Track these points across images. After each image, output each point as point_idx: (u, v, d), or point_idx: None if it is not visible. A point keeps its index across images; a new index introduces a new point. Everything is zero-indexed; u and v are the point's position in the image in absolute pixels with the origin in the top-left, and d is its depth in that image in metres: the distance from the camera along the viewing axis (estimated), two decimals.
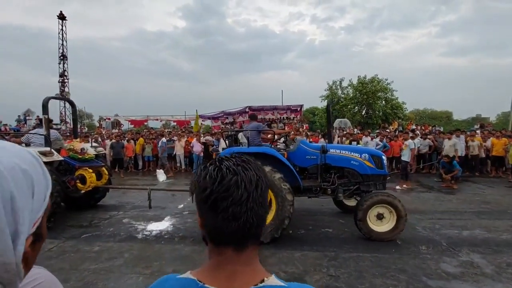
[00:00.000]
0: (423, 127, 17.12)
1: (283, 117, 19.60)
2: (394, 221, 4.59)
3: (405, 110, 24.02)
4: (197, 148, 11.69)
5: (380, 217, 4.66)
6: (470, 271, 3.66)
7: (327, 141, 6.06)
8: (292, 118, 19.53)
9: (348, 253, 4.25)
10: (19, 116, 21.26)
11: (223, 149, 11.50)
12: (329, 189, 4.99)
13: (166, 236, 5.07)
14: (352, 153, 5.06)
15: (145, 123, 22.66)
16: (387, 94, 23.10)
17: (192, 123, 19.43)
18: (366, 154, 5.05)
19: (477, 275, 3.56)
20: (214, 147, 11.10)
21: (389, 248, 4.39)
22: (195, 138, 11.91)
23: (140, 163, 12.93)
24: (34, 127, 17.28)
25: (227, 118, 20.97)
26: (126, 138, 12.81)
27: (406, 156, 8.90)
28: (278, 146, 5.42)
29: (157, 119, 22.16)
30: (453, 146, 9.55)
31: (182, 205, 7.06)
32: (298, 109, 20.40)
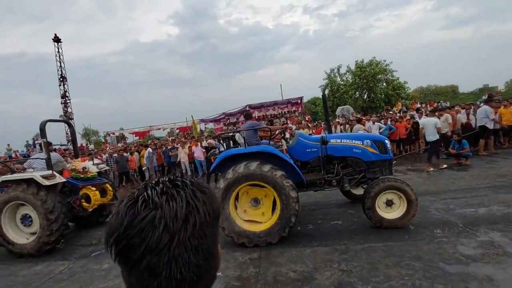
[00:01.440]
0: (428, 105, 16.67)
1: (284, 112, 19.43)
2: (405, 207, 4.40)
3: (407, 90, 23.47)
4: (198, 153, 11.63)
5: (389, 203, 4.48)
6: (491, 251, 3.46)
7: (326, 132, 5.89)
8: (293, 111, 19.35)
9: (359, 244, 4.10)
10: (27, 141, 21.64)
11: (211, 153, 11.49)
12: (334, 181, 4.84)
13: None
14: (354, 141, 4.89)
15: (149, 134, 22.80)
16: (387, 76, 22.60)
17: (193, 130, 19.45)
18: (368, 140, 4.87)
19: (499, 255, 3.35)
20: (212, 151, 10.98)
21: (402, 235, 4.21)
22: (197, 144, 11.85)
23: (147, 174, 12.95)
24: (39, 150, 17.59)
25: (229, 119, 20.92)
26: (130, 151, 12.86)
27: (432, 136, 8.10)
28: (278, 143, 5.27)
29: (159, 128, 22.27)
30: (446, 121, 9.36)
31: None
32: (299, 101, 20.20)
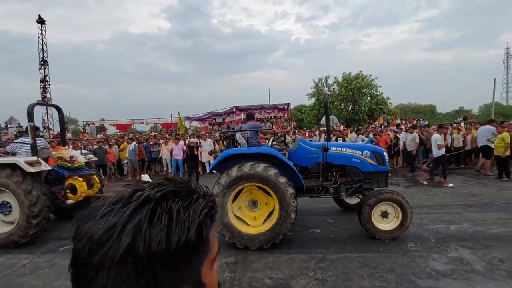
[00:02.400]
0: (408, 121, 17.33)
1: (271, 116, 19.51)
2: (400, 218, 4.51)
3: (389, 105, 24.30)
4: (177, 152, 11.41)
5: (384, 215, 4.57)
6: (460, 268, 3.60)
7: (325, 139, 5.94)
8: (279, 117, 19.47)
9: (336, 254, 4.14)
10: None
11: (211, 151, 11.34)
12: (331, 188, 4.88)
13: None
14: (354, 151, 4.95)
15: (131, 127, 22.15)
16: (372, 90, 23.30)
17: (178, 126, 19.13)
18: (367, 151, 4.95)
19: (468, 272, 3.49)
20: (213, 149, 10.83)
21: (377, 247, 4.30)
22: (178, 142, 11.61)
23: (125, 168, 12.55)
24: (16, 136, 16.61)
25: (215, 119, 20.73)
26: (109, 144, 12.43)
27: (439, 151, 8.25)
28: (276, 146, 5.26)
29: (142, 123, 21.71)
30: (413, 140, 10.17)
31: None
32: (285, 107, 20.35)
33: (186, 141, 11.14)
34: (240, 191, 4.51)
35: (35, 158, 5.11)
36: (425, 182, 8.62)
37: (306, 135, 12.95)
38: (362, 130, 13.32)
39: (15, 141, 6.53)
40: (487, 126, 9.96)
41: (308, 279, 3.49)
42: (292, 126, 16.98)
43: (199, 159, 11.32)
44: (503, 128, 9.14)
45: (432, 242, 4.40)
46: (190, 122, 20.66)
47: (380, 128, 14.27)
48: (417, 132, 11.47)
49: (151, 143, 12.72)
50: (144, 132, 20.45)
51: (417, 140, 10.40)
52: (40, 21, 23.00)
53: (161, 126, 22.52)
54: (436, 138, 8.37)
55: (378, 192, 4.62)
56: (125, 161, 12.31)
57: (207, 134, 13.51)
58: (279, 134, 5.89)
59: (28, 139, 5.49)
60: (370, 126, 15.17)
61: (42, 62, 22.97)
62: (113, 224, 0.43)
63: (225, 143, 5.42)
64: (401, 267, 3.67)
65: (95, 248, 0.42)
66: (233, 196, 4.45)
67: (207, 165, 12.31)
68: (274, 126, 16.44)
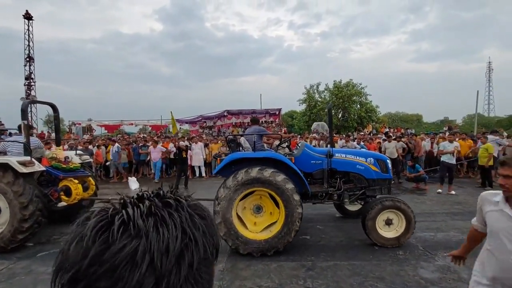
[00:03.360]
0: (396, 130, 17.68)
1: (262, 121, 19.55)
2: (403, 226, 4.51)
3: (378, 114, 24.79)
4: (155, 154, 11.25)
5: (388, 222, 4.56)
6: (448, 276, 3.61)
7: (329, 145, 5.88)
8: (270, 122, 19.52)
9: (326, 261, 4.10)
10: None
11: (216, 155, 11.14)
12: (335, 195, 4.85)
13: None
14: (358, 158, 4.95)
15: (119, 128, 21.71)
16: (362, 98, 23.75)
17: (170, 127, 18.87)
18: (371, 158, 4.95)
19: (455, 280, 3.51)
20: (218, 153, 10.64)
21: (367, 254, 4.29)
22: (156, 145, 11.46)
23: (112, 170, 12.23)
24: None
25: (205, 122, 20.59)
26: (96, 145, 12.11)
27: (451, 158, 8.32)
28: (279, 151, 5.22)
29: (131, 124, 21.32)
30: (394, 148, 10.46)
31: None
32: (277, 112, 20.46)
33: (176, 144, 10.96)
34: (250, 193, 4.42)
35: (28, 158, 4.85)
36: (453, 192, 8.33)
37: (297, 140, 12.98)
38: (352, 137, 13.48)
39: (7, 139, 6.23)
40: (492, 137, 10.12)
41: (298, 287, 3.43)
42: (283, 131, 17.01)
43: (189, 162, 11.16)
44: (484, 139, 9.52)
45: (420, 250, 4.43)
46: (180, 125, 20.43)
47: (369, 136, 14.47)
48: (404, 141, 11.71)
49: (140, 144, 12.47)
50: (133, 134, 20.07)
51: (399, 147, 10.67)
52: (27, 16, 22.40)
53: (150, 128, 22.17)
54: (446, 144, 8.56)
55: (381, 200, 4.60)
56: (108, 163, 11.98)
57: (197, 138, 13.35)
58: (284, 139, 5.84)
59: (21, 138, 5.25)
60: (359, 133, 15.40)
61: (27, 59, 22.32)
62: (183, 233, 0.41)
63: (230, 146, 5.30)
64: (390, 275, 3.66)
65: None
66: (243, 195, 4.36)
67: (196, 169, 12.15)
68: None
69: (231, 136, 6.21)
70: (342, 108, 23.71)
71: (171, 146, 11.59)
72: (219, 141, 12.67)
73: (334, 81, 24.25)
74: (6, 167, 4.58)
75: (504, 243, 1.74)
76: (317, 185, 5.02)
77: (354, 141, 11.89)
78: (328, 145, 10.73)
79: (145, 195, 0.46)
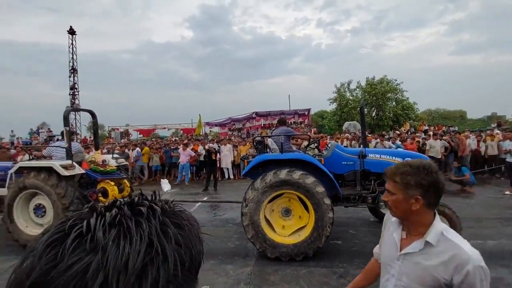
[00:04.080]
0: (436, 127, 16.43)
1: (290, 122, 19.31)
2: None
3: (416, 111, 23.25)
4: (183, 157, 11.51)
5: None
6: None
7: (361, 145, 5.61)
8: (299, 123, 19.22)
9: (359, 269, 3.84)
10: (31, 129, 21.76)
11: (243, 156, 11.21)
12: (369, 198, 4.59)
13: None
14: (394, 158, 4.64)
15: (153, 132, 22.79)
16: (397, 95, 22.43)
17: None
18: (409, 159, 4.64)
19: None
20: (245, 155, 10.76)
21: None
22: (186, 148, 11.75)
23: (146, 173, 12.82)
24: (45, 140, 17.61)
25: (234, 124, 20.85)
26: (131, 148, 12.77)
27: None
28: (308, 152, 5.10)
29: (164, 128, 22.26)
30: (440, 146, 9.63)
31: None
32: (306, 113, 20.11)
33: (206, 146, 11.18)
34: (279, 195, 4.34)
35: (69, 161, 5.23)
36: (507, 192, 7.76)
37: (326, 141, 12.61)
38: (387, 136, 12.76)
39: (51, 145, 6.79)
40: None
41: None
42: (313, 132, 16.65)
43: (218, 164, 11.32)
44: None
45: None
46: (210, 128, 20.92)
47: (406, 135, 13.61)
48: (446, 139, 10.81)
49: (173, 147, 12.93)
50: (166, 137, 20.93)
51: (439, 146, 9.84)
52: (71, 32, 24.44)
53: (182, 132, 22.97)
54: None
55: None
56: (136, 166, 12.41)
57: (226, 140, 13.53)
58: (313, 140, 5.66)
59: (64, 143, 5.67)
60: (395, 132, 14.53)
61: (72, 70, 24.31)
62: (149, 244, 0.37)
63: (257, 148, 5.27)
64: None
65: None
66: (272, 197, 4.29)
67: (225, 171, 12.29)
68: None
69: (258, 138, 6.14)
70: (376, 106, 22.61)
71: (201, 149, 11.86)
72: (248, 143, 12.70)
73: (366, 78, 23.20)
74: (50, 170, 4.96)
75: (384, 276, 1.33)
76: (349, 187, 4.78)
77: (389, 140, 11.22)
78: (361, 145, 10.31)
79: (118, 202, 0.41)
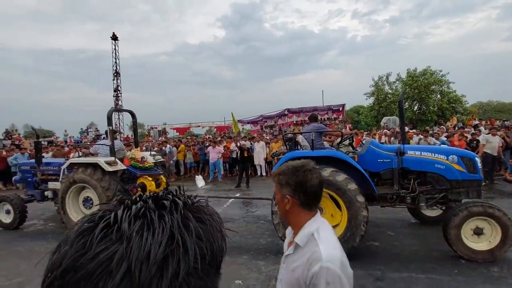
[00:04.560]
0: (488, 122, 14.84)
1: (324, 118, 18.79)
2: (499, 236, 3.76)
3: (465, 104, 21.24)
4: (213, 154, 11.66)
5: (478, 232, 3.85)
6: None
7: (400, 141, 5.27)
8: (333, 119, 18.63)
9: (398, 272, 3.63)
10: (81, 128, 23.85)
11: (274, 153, 11.21)
12: (408, 197, 4.33)
13: None
14: (437, 155, 4.32)
15: (188, 130, 23.69)
16: (443, 87, 20.67)
17: (233, 128, 19.72)
18: (454, 156, 4.27)
19: None
20: (275, 152, 10.81)
21: (450, 268, 3.65)
22: (215, 146, 11.94)
23: (182, 169, 13.36)
24: (93, 139, 19.21)
25: (266, 121, 20.85)
26: (168, 146, 13.39)
27: None
28: (341, 149, 4.96)
29: (198, 126, 23.02)
30: (498, 143, 8.57)
31: (219, 211, 6.98)
32: (340, 108, 19.42)
33: (238, 144, 11.32)
34: None
35: (112, 158, 5.66)
36: None
37: (362, 136, 12.08)
38: (431, 131, 11.83)
39: (97, 143, 7.42)
40: None
41: None
42: (348, 128, 16.03)
43: (251, 162, 11.39)
44: None
45: None
46: (242, 125, 21.16)
47: (453, 130, 12.50)
48: (501, 134, 9.72)
49: (207, 145, 13.32)
50: (200, 135, 21.64)
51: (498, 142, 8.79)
52: (114, 37, 26.20)
53: (215, 129, 23.57)
54: None
55: (468, 205, 3.88)
56: (170, 162, 12.88)
57: (258, 137, 13.58)
58: (345, 136, 5.43)
59: (108, 141, 6.13)
60: (441, 127, 13.42)
61: (115, 74, 26.09)
62: (170, 237, 0.39)
63: (287, 145, 5.21)
64: None
65: None
66: None
67: (258, 168, 12.36)
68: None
69: (289, 135, 6.05)
70: (418, 100, 21.09)
71: (233, 146, 12.03)
72: (279, 140, 12.62)
73: (407, 70, 21.70)
74: (96, 166, 5.40)
75: None
76: (385, 186, 4.51)
77: (433, 136, 10.38)
78: (400, 142, 9.65)
79: (144, 196, 0.44)
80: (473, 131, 11.15)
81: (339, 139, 5.50)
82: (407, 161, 4.35)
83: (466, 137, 10.07)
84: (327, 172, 4.00)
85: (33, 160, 6.61)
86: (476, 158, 4.31)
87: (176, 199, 0.42)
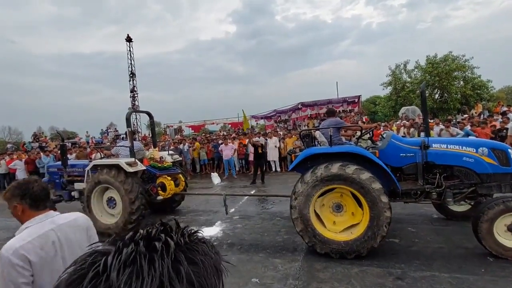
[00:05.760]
0: None
1: (339, 111, 18.37)
2: None
3: (491, 90, 20.07)
4: (227, 152, 11.64)
5: None
6: None
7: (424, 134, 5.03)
8: (349, 111, 18.18)
9: (420, 271, 3.49)
10: (102, 129, 24.67)
11: (290, 151, 11.08)
12: (434, 193, 4.14)
13: (215, 243, 4.95)
14: (465, 148, 4.09)
15: (203, 127, 23.91)
16: (466, 73, 19.63)
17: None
18: (484, 148, 4.02)
19: None
20: (292, 149, 10.74)
21: (476, 267, 3.46)
22: (228, 143, 11.94)
23: (198, 167, 13.52)
24: (113, 139, 19.82)
25: (280, 116, 20.66)
26: (185, 144, 13.58)
27: None
28: (360, 144, 4.82)
29: (213, 123, 23.18)
30: None
31: (233, 209, 6.99)
32: (356, 100, 18.89)
33: (251, 141, 11.29)
34: (330, 190, 4.15)
35: (132, 159, 5.78)
36: None
37: (381, 129, 11.71)
38: (454, 121, 11.27)
39: (118, 144, 7.63)
40: None
41: None
42: (364, 120, 15.60)
43: (265, 157, 11.34)
44: None
45: None
46: (256, 121, 21.10)
47: (479, 118, 11.84)
48: None
49: (220, 142, 13.39)
50: (215, 132, 21.80)
51: None
52: (128, 39, 26.72)
53: (230, 126, 23.65)
54: None
55: (501, 200, 3.65)
56: (187, 160, 13.02)
57: (272, 132, 13.48)
58: (365, 131, 5.23)
59: (127, 143, 6.27)
60: (464, 115, 12.75)
61: (131, 75, 26.68)
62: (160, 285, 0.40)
63: (304, 142, 5.10)
64: None
65: None
66: (322, 191, 4.11)
67: (272, 164, 12.29)
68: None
69: (309, 130, 5.91)
70: (439, 88, 20.17)
71: (230, 145, 12.03)
72: (293, 135, 12.47)
73: (427, 56, 20.76)
74: (118, 167, 5.53)
75: None
76: (409, 181, 4.32)
77: (457, 126, 9.86)
78: (422, 134, 9.21)
79: (137, 235, 0.44)
80: (500, 118, 10.52)
81: (358, 134, 5.32)
82: (432, 155, 4.13)
83: (494, 126, 9.51)
84: (350, 169, 3.85)
85: (59, 163, 6.87)
86: (510, 150, 4.02)
87: (169, 239, 0.42)
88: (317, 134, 5.00)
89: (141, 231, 0.46)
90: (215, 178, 9.95)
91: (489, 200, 3.86)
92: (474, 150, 4.01)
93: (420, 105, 17.98)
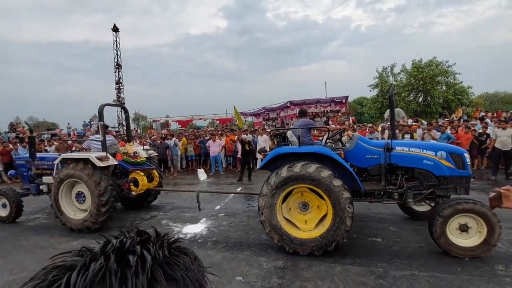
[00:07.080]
0: (495, 114, 14.57)
1: (327, 111, 18.60)
2: (484, 233, 3.75)
3: (471, 95, 20.86)
4: (214, 148, 11.59)
5: (463, 228, 3.84)
6: None
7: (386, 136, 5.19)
8: (336, 111, 18.42)
9: (400, 270, 3.59)
10: (84, 121, 23.91)
11: (260, 150, 11.13)
12: (395, 193, 4.31)
13: (199, 240, 4.95)
14: (425, 151, 4.27)
15: (191, 123, 23.61)
16: (449, 78, 20.29)
17: (236, 121, 19.62)
18: (443, 152, 4.21)
19: None
20: (263, 147, 10.75)
21: (453, 266, 3.60)
22: (215, 139, 11.87)
23: (184, 163, 13.35)
24: (96, 131, 19.24)
25: (268, 114, 20.69)
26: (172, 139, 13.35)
27: None
28: (330, 145, 4.92)
29: (201, 119, 22.92)
30: (509, 137, 8.26)
31: (218, 207, 6.96)
32: (343, 101, 19.15)
33: (239, 137, 11.24)
34: (290, 192, 4.27)
35: (104, 153, 5.65)
36: None
37: (367, 130, 11.95)
38: (441, 123, 11.63)
39: (90, 138, 7.41)
40: None
41: None
42: (351, 120, 15.86)
43: (253, 154, 11.33)
44: None
45: None
46: (244, 118, 21.01)
47: (458, 122, 12.29)
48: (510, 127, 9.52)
49: (207, 138, 13.26)
50: (203, 127, 21.57)
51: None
52: (115, 29, 25.96)
53: (218, 122, 23.47)
54: None
55: (455, 201, 3.87)
56: (173, 156, 12.82)
57: (261, 130, 13.49)
58: (333, 132, 5.41)
59: (99, 137, 6.12)
60: (445, 119, 13.19)
61: (116, 66, 25.97)
62: None
63: (275, 140, 5.19)
64: None
65: None
66: (282, 197, 4.24)
67: (259, 161, 12.30)
68: (330, 121, 15.61)
69: (277, 130, 6.00)
70: (423, 91, 20.76)
71: (218, 142, 11.97)
72: None
73: (412, 60, 21.28)
74: (87, 161, 5.40)
75: None
76: (373, 182, 4.49)
77: (439, 130, 10.19)
78: (407, 136, 9.46)
79: (108, 246, 0.38)
80: (479, 123, 10.95)
81: (329, 134, 5.42)
82: (395, 157, 4.31)
83: (474, 131, 9.89)
84: (312, 168, 3.98)
85: (27, 155, 6.61)
86: (465, 154, 4.25)
87: (145, 252, 0.37)
88: (289, 134, 5.10)
89: (114, 241, 0.39)
90: (202, 174, 9.85)
91: (444, 201, 4.06)
92: (434, 154, 4.19)
93: (403, 109, 18.47)
